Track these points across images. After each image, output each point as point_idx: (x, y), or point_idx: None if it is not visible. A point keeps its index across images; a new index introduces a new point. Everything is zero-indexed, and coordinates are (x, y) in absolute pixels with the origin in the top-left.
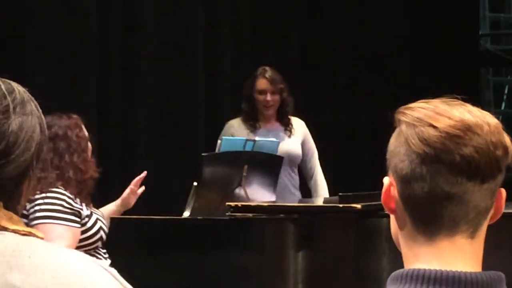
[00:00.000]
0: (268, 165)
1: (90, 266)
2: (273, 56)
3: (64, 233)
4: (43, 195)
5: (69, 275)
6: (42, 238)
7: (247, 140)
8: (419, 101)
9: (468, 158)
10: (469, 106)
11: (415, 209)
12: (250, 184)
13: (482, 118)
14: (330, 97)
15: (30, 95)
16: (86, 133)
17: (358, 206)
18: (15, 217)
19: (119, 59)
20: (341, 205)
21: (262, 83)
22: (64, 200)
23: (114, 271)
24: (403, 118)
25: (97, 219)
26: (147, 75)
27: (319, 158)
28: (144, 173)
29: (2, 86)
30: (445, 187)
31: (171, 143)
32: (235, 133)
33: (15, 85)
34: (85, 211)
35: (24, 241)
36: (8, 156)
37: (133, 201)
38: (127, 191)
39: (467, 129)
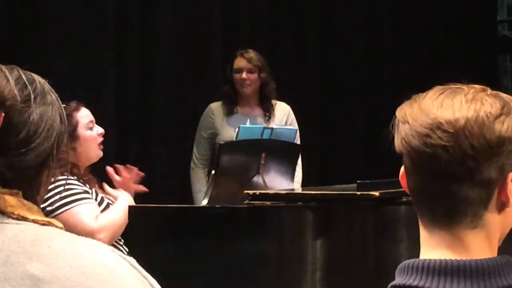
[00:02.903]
0: (286, 153)
1: (109, 255)
2: (290, 45)
3: (86, 209)
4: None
5: (88, 264)
6: (61, 228)
7: (264, 128)
8: (423, 93)
9: (437, 158)
10: (463, 94)
11: (414, 201)
12: (268, 172)
13: (463, 112)
14: (348, 84)
15: (50, 87)
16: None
17: (376, 193)
18: (34, 207)
19: (136, 49)
20: (359, 193)
21: (239, 62)
22: (70, 183)
23: (132, 260)
24: (397, 113)
25: (108, 203)
26: (165, 63)
27: (339, 147)
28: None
29: (23, 77)
30: (427, 182)
31: (188, 131)
32: (213, 117)
33: (35, 76)
34: (94, 196)
35: (43, 231)
36: (28, 145)
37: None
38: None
39: (437, 127)
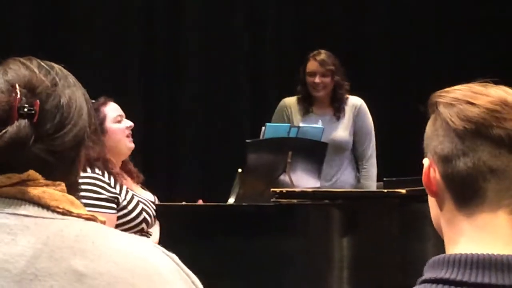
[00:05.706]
0: (313, 151)
1: (152, 251)
2: (317, 41)
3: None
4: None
5: (132, 260)
6: (104, 223)
7: (291, 126)
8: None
9: (509, 132)
10: (503, 87)
11: (457, 186)
12: (294, 171)
13: None
14: (373, 82)
15: (67, 71)
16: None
17: (403, 191)
18: (76, 201)
19: (163, 48)
20: (385, 190)
21: (311, 65)
22: (98, 185)
23: (174, 256)
24: (440, 100)
25: (139, 201)
26: (191, 62)
27: None
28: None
29: (42, 64)
30: (487, 160)
31: (216, 130)
32: (288, 112)
33: (52, 63)
34: (123, 196)
35: (87, 226)
36: (65, 127)
37: None
38: None
39: (505, 104)
